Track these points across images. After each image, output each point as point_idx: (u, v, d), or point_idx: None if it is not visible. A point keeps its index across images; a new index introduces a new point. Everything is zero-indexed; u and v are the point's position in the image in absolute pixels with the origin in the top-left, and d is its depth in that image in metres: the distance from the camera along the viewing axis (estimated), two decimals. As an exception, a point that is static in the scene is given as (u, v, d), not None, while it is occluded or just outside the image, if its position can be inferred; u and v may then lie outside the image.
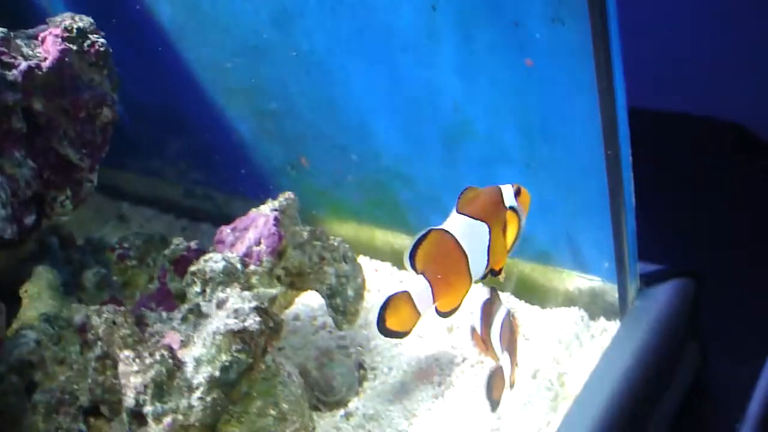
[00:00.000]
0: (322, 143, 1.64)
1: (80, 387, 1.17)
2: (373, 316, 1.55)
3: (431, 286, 1.13)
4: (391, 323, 1.15)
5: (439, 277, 1.13)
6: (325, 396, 1.37)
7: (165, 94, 1.83)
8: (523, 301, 1.55)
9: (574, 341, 1.43)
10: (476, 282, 1.21)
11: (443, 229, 1.15)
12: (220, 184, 1.93)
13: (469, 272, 1.16)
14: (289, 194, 1.39)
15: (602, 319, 1.47)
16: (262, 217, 1.35)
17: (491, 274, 1.22)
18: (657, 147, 1.69)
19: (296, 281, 1.36)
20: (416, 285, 1.13)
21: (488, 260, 1.18)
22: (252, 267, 1.31)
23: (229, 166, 1.83)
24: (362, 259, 1.73)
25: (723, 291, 1.52)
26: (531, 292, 1.54)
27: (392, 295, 1.14)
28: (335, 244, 1.37)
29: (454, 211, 1.17)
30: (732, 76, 1.78)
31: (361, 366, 1.43)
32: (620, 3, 1.18)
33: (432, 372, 1.42)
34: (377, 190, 1.62)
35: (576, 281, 1.49)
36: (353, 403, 1.38)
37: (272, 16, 1.51)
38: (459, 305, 1.18)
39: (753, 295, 1.51)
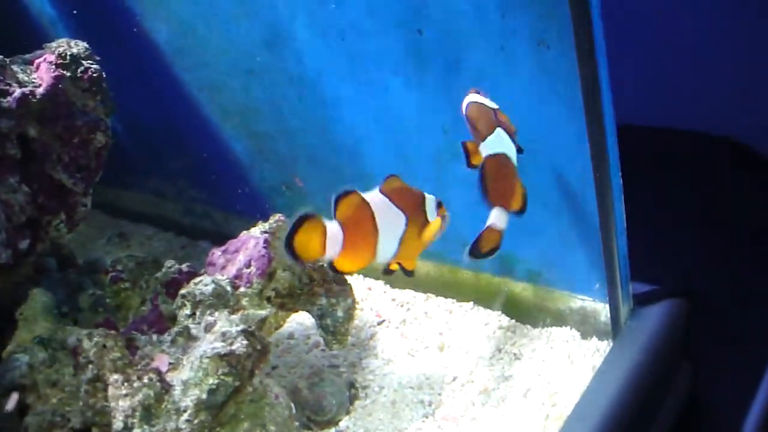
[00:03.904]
0: (315, 164, 1.66)
1: (72, 409, 1.18)
2: (365, 335, 1.59)
3: (344, 237, 1.12)
4: (298, 242, 1.10)
5: (349, 235, 1.13)
6: (315, 415, 1.39)
7: (163, 114, 1.85)
8: (514, 320, 1.56)
9: (566, 361, 1.43)
10: (381, 269, 1.23)
11: (364, 198, 1.15)
12: (218, 202, 1.95)
13: (375, 249, 1.16)
14: (279, 216, 1.41)
15: (594, 338, 1.47)
16: (253, 239, 1.37)
17: (404, 273, 1.23)
18: (651, 164, 1.68)
19: (286, 302, 1.37)
20: (333, 225, 1.12)
21: (397, 251, 1.18)
22: (242, 289, 1.32)
23: (226, 185, 1.85)
24: (355, 278, 1.75)
25: (716, 311, 1.51)
26: (522, 312, 1.54)
27: (313, 216, 1.11)
28: (325, 265, 1.38)
29: (377, 189, 1.17)
30: (729, 91, 1.76)
31: (352, 385, 1.44)
32: (618, 18, 1.18)
33: (423, 391, 1.43)
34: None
35: (568, 301, 1.49)
36: (344, 422, 1.39)
37: (265, 40, 1.53)
38: (353, 270, 1.18)
39: (746, 315, 1.49)
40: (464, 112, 1.27)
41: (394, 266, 1.23)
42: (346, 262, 1.15)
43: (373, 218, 1.15)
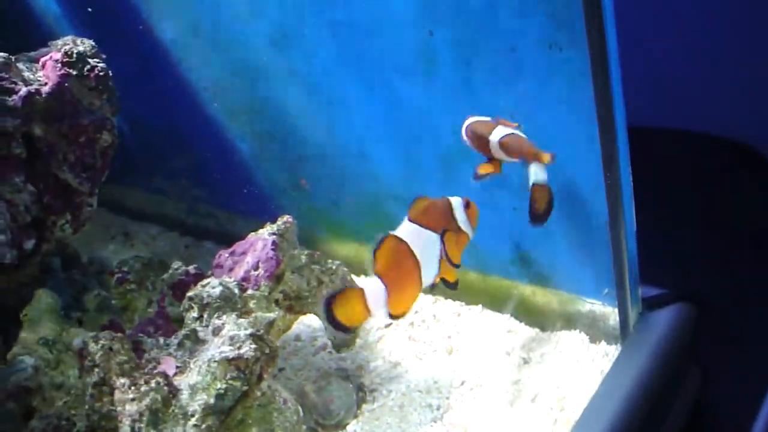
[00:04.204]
0: (322, 164, 1.64)
1: (78, 412, 1.17)
2: (373, 338, 1.58)
3: (386, 288, 1.14)
4: (340, 315, 1.14)
5: (393, 281, 1.15)
6: (323, 419, 1.38)
7: (168, 113, 1.84)
8: (523, 324, 1.54)
9: (575, 365, 1.42)
10: (427, 288, 1.23)
11: (397, 236, 1.17)
12: (222, 202, 1.94)
13: (421, 279, 1.18)
14: (287, 218, 1.39)
15: (603, 342, 1.45)
16: (261, 241, 1.35)
17: (448, 287, 1.24)
18: (651, 165, 1.67)
19: (294, 305, 1.36)
20: (371, 285, 1.14)
21: (438, 269, 1.20)
22: (250, 291, 1.31)
23: (231, 185, 1.84)
24: (362, 279, 1.74)
25: (724, 315, 1.50)
26: (531, 316, 1.53)
27: (344, 289, 1.18)
28: (333, 267, 1.37)
29: (406, 219, 1.19)
30: (730, 91, 1.76)
31: (360, 388, 1.43)
32: (621, 19, 1.17)
33: (431, 395, 1.42)
34: (376, 211, 1.63)
35: (577, 305, 1.48)
36: (352, 426, 1.38)
37: (272, 39, 1.52)
38: (409, 309, 1.20)
39: (750, 316, 1.49)
40: (464, 138, 1.29)
41: (437, 280, 1.24)
42: (399, 306, 1.17)
43: (411, 252, 1.16)
